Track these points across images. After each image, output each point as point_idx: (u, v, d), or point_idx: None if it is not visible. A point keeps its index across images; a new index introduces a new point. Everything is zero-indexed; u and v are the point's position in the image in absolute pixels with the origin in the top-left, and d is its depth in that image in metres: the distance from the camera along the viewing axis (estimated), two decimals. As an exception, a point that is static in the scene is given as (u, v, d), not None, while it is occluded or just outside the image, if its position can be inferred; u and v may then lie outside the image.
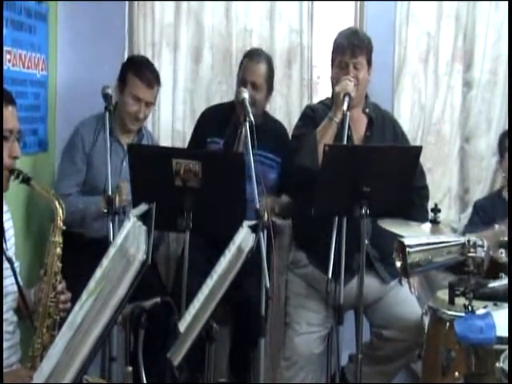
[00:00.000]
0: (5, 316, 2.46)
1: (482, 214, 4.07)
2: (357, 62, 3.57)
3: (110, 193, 3.36)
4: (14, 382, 2.18)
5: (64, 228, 2.53)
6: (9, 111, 2.45)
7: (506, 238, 3.48)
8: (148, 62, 4.02)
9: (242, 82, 3.92)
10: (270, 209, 3.46)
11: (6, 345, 2.45)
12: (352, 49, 3.57)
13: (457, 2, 4.55)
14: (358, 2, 4.59)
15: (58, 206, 2.51)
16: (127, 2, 4.34)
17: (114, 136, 3.84)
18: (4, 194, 2.53)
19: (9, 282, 2.50)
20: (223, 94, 4.35)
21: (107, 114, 3.59)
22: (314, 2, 4.50)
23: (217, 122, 4.00)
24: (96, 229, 3.70)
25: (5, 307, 2.47)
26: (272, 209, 3.63)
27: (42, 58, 4.05)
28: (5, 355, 2.43)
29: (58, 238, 2.51)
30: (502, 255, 3.68)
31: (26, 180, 2.49)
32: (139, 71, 3.88)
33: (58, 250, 2.51)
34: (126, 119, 3.89)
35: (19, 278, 2.52)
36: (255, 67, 3.93)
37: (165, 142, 4.32)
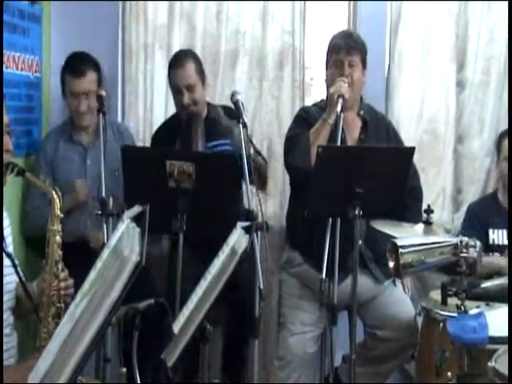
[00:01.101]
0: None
1: (476, 218, 4.07)
2: (352, 59, 3.59)
3: (103, 195, 3.37)
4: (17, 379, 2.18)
5: (62, 216, 2.55)
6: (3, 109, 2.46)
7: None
8: (77, 56, 3.97)
9: (177, 90, 3.90)
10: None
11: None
12: (347, 48, 3.60)
13: (449, 3, 4.55)
14: (351, 3, 4.59)
15: (54, 195, 2.54)
16: (120, 4, 4.34)
17: (73, 140, 3.96)
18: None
19: (6, 281, 2.50)
20: (214, 95, 4.35)
21: (101, 115, 3.59)
22: (307, 2, 4.50)
23: (169, 136, 3.94)
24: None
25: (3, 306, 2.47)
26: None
27: (36, 59, 4.06)
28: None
29: (57, 227, 2.53)
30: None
31: (21, 172, 2.52)
32: (68, 67, 3.92)
33: (58, 238, 2.52)
34: (74, 117, 3.95)
35: (21, 274, 2.53)
36: (181, 71, 3.89)
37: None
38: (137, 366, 2.18)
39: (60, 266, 2.51)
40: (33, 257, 3.71)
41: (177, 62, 3.95)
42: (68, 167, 3.91)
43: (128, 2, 4.35)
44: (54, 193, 2.54)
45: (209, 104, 4.06)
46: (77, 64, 3.91)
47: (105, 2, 4.27)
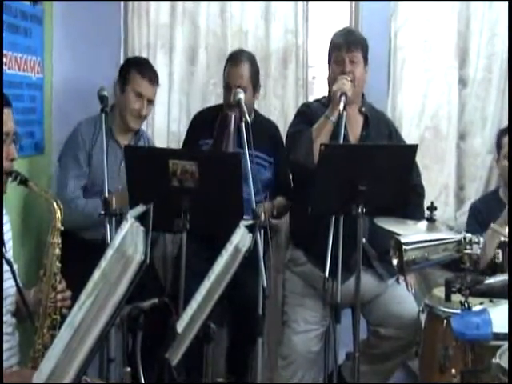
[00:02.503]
0: (3, 318, 2.47)
1: (479, 216, 4.07)
2: (353, 56, 3.60)
3: (106, 194, 3.36)
4: (18, 382, 2.19)
5: (62, 229, 2.54)
6: (5, 113, 2.45)
7: (502, 238, 3.49)
8: (149, 62, 4.06)
9: (227, 87, 3.93)
10: (268, 213, 3.48)
11: (4, 346, 2.45)
12: (348, 44, 3.61)
13: (451, 1, 4.55)
14: (353, 2, 4.60)
15: (55, 206, 2.52)
16: (122, 4, 4.35)
17: (112, 137, 3.86)
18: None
19: (7, 285, 2.50)
20: (218, 95, 4.34)
21: (103, 115, 3.61)
22: (309, 2, 4.51)
23: (208, 123, 4.00)
24: (96, 230, 3.70)
25: (3, 310, 2.47)
26: (270, 213, 3.65)
27: (38, 60, 4.05)
28: (4, 357, 2.43)
29: (57, 239, 2.52)
30: (499, 255, 3.70)
31: (24, 181, 2.51)
32: (141, 68, 3.91)
33: (57, 251, 2.52)
34: (127, 117, 3.89)
35: (18, 280, 2.53)
36: (237, 70, 3.93)
37: (160, 143, 4.32)
38: (141, 366, 2.18)
39: (58, 278, 2.50)
40: (34, 259, 3.71)
41: (234, 59, 3.99)
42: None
43: (130, 2, 4.34)
44: (55, 204, 2.52)
45: (257, 113, 4.07)
46: (151, 70, 3.95)
47: (107, 3, 4.27)
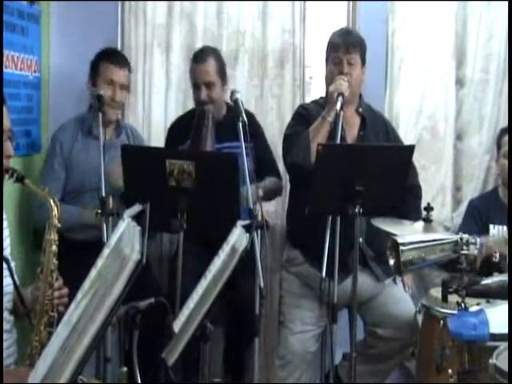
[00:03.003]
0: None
1: (477, 215, 4.07)
2: (351, 57, 3.60)
3: (103, 194, 3.36)
4: (14, 382, 2.19)
5: (59, 226, 2.54)
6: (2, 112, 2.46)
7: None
8: (117, 50, 4.07)
9: (195, 85, 3.93)
10: (256, 196, 3.44)
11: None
12: (346, 45, 3.61)
13: (449, 1, 4.56)
14: (351, 2, 4.60)
15: (52, 203, 2.53)
16: (119, 4, 4.34)
17: (91, 135, 3.88)
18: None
19: (4, 283, 2.49)
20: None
21: (100, 114, 3.60)
22: (307, 2, 4.51)
23: (184, 129, 3.97)
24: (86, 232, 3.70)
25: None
26: (257, 195, 3.61)
27: (35, 59, 4.05)
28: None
29: (54, 236, 2.53)
30: (496, 255, 3.70)
31: (21, 179, 2.51)
32: (109, 56, 3.92)
33: (54, 248, 2.52)
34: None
35: (16, 278, 2.53)
36: (203, 67, 3.92)
37: (157, 142, 4.31)
38: (137, 366, 2.18)
39: (55, 275, 2.51)
40: (32, 257, 3.71)
41: (198, 57, 3.97)
42: (85, 162, 3.83)
43: (127, 2, 4.34)
44: (51, 201, 2.53)
45: (229, 105, 4.06)
46: (119, 56, 3.96)
47: (104, 2, 4.27)
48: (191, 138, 3.90)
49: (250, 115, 3.95)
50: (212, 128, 3.87)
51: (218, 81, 3.93)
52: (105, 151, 3.78)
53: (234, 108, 4.00)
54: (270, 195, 4.00)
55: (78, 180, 3.84)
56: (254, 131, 3.97)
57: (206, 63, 3.93)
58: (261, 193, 3.64)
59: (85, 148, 3.88)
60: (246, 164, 3.29)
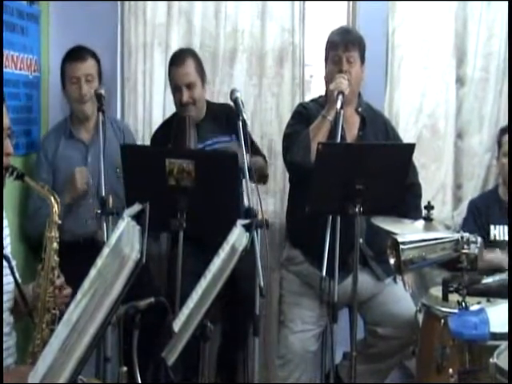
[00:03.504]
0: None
1: (477, 214, 4.07)
2: (350, 55, 3.59)
3: (103, 194, 3.36)
4: (16, 382, 2.19)
5: (60, 222, 2.54)
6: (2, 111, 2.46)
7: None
8: (78, 46, 4.01)
9: (176, 88, 3.90)
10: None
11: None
12: (345, 43, 3.60)
13: (449, 0, 4.55)
14: (351, 2, 4.60)
15: (53, 200, 2.53)
16: (119, 3, 4.34)
17: (73, 137, 3.92)
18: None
19: (5, 282, 2.49)
20: (213, 93, 4.34)
21: (100, 114, 3.59)
22: (306, 1, 4.50)
23: (167, 136, 3.96)
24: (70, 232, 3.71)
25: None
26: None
27: (34, 59, 4.05)
28: (-1, 357, 2.43)
29: (54, 233, 2.53)
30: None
31: (21, 176, 2.52)
32: (68, 54, 3.93)
33: (55, 245, 2.52)
34: (75, 108, 3.92)
35: (17, 276, 2.53)
36: (182, 69, 3.90)
37: (157, 141, 4.31)
38: (137, 365, 2.18)
39: (56, 272, 2.51)
40: (32, 257, 3.71)
41: (176, 60, 3.95)
42: (69, 164, 3.88)
43: (127, 2, 4.34)
44: (52, 198, 2.53)
45: (208, 102, 4.06)
46: (76, 51, 3.95)
47: (103, 2, 4.26)
48: (173, 143, 3.88)
49: (228, 108, 3.91)
50: (194, 130, 3.86)
51: (199, 81, 3.92)
52: (88, 151, 3.81)
53: (213, 105, 4.02)
54: (257, 172, 3.88)
55: (60, 185, 3.84)
56: (234, 123, 3.93)
57: (184, 65, 3.90)
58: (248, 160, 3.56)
59: (68, 152, 3.92)
60: (246, 163, 3.29)
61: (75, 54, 3.92)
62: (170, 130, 3.94)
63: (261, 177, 3.98)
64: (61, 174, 3.89)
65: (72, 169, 3.84)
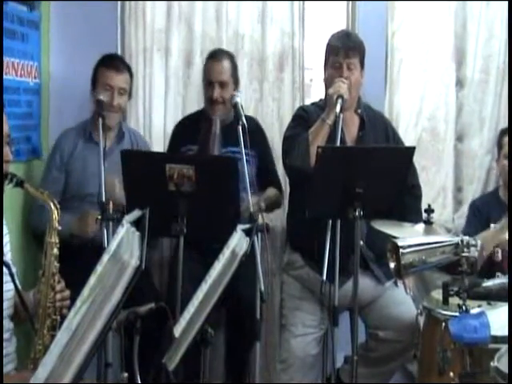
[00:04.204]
0: (0, 324, 2.47)
1: (479, 215, 4.07)
2: (350, 62, 3.59)
3: (103, 199, 3.36)
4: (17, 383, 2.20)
5: (60, 228, 2.55)
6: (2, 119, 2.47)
7: (504, 236, 3.50)
8: (116, 55, 4.09)
9: (209, 83, 3.95)
10: (257, 207, 3.46)
11: (2, 353, 2.46)
12: (346, 49, 3.60)
13: (448, 1, 4.56)
14: (350, 4, 4.60)
15: (52, 207, 2.53)
16: (119, 9, 4.34)
17: (92, 141, 3.89)
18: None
19: (5, 289, 2.50)
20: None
21: (100, 120, 3.60)
22: (306, 4, 4.50)
23: (189, 130, 4.01)
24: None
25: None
26: (259, 207, 3.62)
27: (35, 65, 4.05)
28: (1, 363, 2.43)
29: (55, 239, 2.54)
30: (498, 254, 3.70)
31: (20, 183, 2.52)
32: (106, 61, 3.94)
33: (55, 251, 2.53)
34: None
35: (18, 282, 2.53)
36: (219, 65, 3.96)
37: (157, 147, 4.30)
38: (138, 371, 2.18)
39: (56, 277, 2.52)
40: (32, 263, 3.71)
41: (215, 55, 4.02)
42: (84, 166, 3.87)
43: (127, 7, 4.34)
44: (52, 204, 2.54)
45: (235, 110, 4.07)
46: (117, 61, 3.98)
47: (103, 8, 4.26)
48: (198, 145, 3.93)
49: (254, 122, 4.00)
50: (219, 135, 3.88)
51: (231, 83, 3.98)
52: (105, 157, 3.79)
53: (238, 114, 4.04)
54: (271, 207, 4.00)
55: (77, 186, 3.87)
56: (260, 141, 4.03)
57: (221, 62, 3.97)
58: (263, 205, 3.66)
59: (85, 154, 3.90)
60: (246, 168, 3.30)
61: (114, 63, 3.94)
62: (192, 126, 4.00)
63: (274, 208, 4.07)
64: (75, 174, 3.89)
65: (86, 172, 3.84)
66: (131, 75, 4.02)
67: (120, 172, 3.39)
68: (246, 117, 4.09)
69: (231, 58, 4.05)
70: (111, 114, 3.88)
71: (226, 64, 3.98)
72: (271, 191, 4.04)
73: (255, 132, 4.04)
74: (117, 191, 3.58)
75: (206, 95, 4.00)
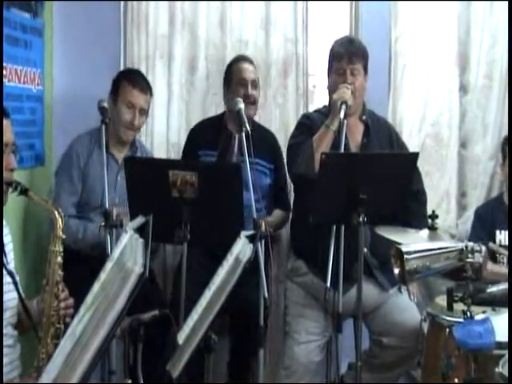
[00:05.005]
0: (4, 331, 2.46)
1: (484, 221, 4.06)
2: (354, 68, 3.59)
3: (106, 206, 3.36)
4: None
5: (64, 237, 2.55)
6: (4, 124, 2.46)
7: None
8: (140, 73, 4.08)
9: (242, 82, 3.96)
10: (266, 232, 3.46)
11: (5, 360, 2.45)
12: (349, 55, 3.60)
13: (452, 7, 4.56)
14: (353, 9, 4.60)
15: (57, 215, 2.53)
16: (122, 16, 4.34)
17: (108, 150, 3.82)
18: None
19: (8, 297, 2.50)
20: (218, 105, 4.34)
21: (103, 127, 3.61)
22: (309, 11, 4.50)
23: (207, 134, 4.03)
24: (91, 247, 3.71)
25: (4, 323, 2.47)
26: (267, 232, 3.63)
27: (38, 72, 4.06)
28: (5, 370, 2.43)
29: (59, 247, 2.53)
30: (504, 259, 3.69)
31: (24, 191, 2.51)
32: (131, 78, 3.92)
33: (59, 259, 2.52)
34: (120, 129, 3.88)
35: (21, 291, 2.53)
36: (250, 67, 4.02)
37: (159, 153, 4.31)
38: (142, 378, 2.18)
39: (60, 286, 2.51)
40: (36, 271, 3.72)
41: (242, 58, 4.08)
42: (98, 176, 3.76)
43: (130, 13, 4.34)
44: (56, 213, 2.53)
45: (255, 122, 4.09)
46: (142, 80, 3.97)
47: (106, 14, 4.27)
48: (220, 146, 3.96)
49: (273, 136, 4.11)
50: (238, 147, 3.90)
51: (258, 86, 4.03)
52: (119, 170, 3.80)
53: (259, 126, 4.07)
54: (276, 229, 4.03)
55: (91, 195, 3.84)
56: (277, 155, 4.08)
57: (252, 64, 4.04)
58: (271, 230, 3.61)
59: (101, 164, 3.82)
60: (250, 173, 3.30)
61: (141, 82, 3.93)
62: (209, 131, 4.03)
63: (279, 229, 4.11)
64: (89, 183, 3.85)
65: (101, 183, 3.66)
66: (151, 95, 4.01)
67: (105, 178, 3.44)
68: (267, 130, 4.15)
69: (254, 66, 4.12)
70: (130, 132, 3.89)
71: (253, 68, 4.06)
72: (277, 214, 4.09)
73: (274, 146, 4.13)
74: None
75: (238, 93, 3.93)
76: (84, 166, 3.87)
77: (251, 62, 4.09)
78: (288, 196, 4.17)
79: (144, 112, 3.93)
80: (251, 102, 3.93)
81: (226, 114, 4.08)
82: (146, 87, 3.93)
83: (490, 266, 3.57)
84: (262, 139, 3.96)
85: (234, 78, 4.03)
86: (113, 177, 3.83)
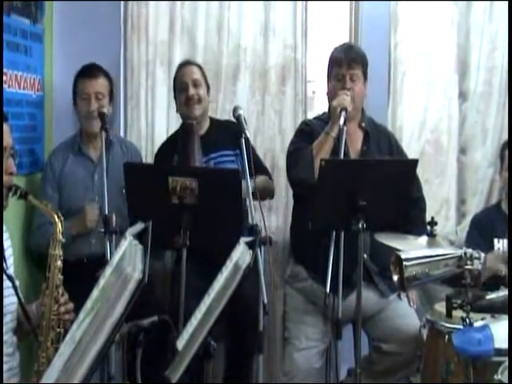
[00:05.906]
0: (4, 338, 2.46)
1: (481, 229, 4.06)
2: (353, 73, 3.60)
3: (106, 212, 3.37)
4: None
5: (64, 241, 2.55)
6: (2, 128, 2.47)
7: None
8: (92, 63, 4.03)
9: (182, 85, 3.93)
10: (246, 192, 3.40)
11: (4, 367, 2.45)
12: (348, 61, 3.61)
13: (451, 13, 4.57)
14: (353, 15, 4.61)
15: (56, 219, 2.53)
16: (122, 22, 4.35)
17: (80, 153, 3.93)
18: (2, 212, 2.55)
19: (8, 302, 2.50)
20: (215, 111, 4.34)
21: (103, 133, 3.61)
22: (308, 16, 4.51)
23: (170, 150, 3.97)
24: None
25: (4, 328, 2.46)
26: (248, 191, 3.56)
27: (38, 78, 4.07)
28: (4, 377, 2.43)
29: (58, 251, 2.53)
30: (502, 268, 3.69)
31: (24, 195, 2.52)
32: (81, 71, 3.96)
33: (59, 263, 2.53)
34: (83, 123, 3.93)
35: (21, 295, 2.53)
36: (188, 69, 3.98)
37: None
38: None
39: (60, 290, 2.51)
40: (35, 276, 3.72)
41: (183, 63, 4.05)
42: (75, 181, 3.89)
43: (130, 20, 4.35)
44: (55, 216, 2.54)
45: (211, 118, 4.07)
46: (90, 68, 3.97)
47: (106, 20, 4.28)
48: (178, 153, 3.84)
49: (229, 123, 3.94)
50: (198, 140, 3.85)
51: (204, 83, 3.98)
52: (95, 169, 3.81)
53: (216, 121, 4.04)
54: (262, 193, 3.83)
55: (69, 200, 3.87)
56: (238, 138, 3.94)
57: (191, 66, 4.00)
58: (252, 188, 3.55)
59: (75, 167, 3.92)
60: (249, 180, 3.29)
61: (87, 71, 3.95)
62: (175, 145, 3.95)
63: (266, 194, 4.00)
64: (67, 189, 3.89)
65: (78, 186, 3.86)
66: (109, 80, 4.00)
67: (110, 179, 3.49)
68: (225, 120, 4.10)
69: (199, 65, 4.06)
70: (90, 120, 3.88)
71: (194, 67, 4.00)
72: (259, 178, 3.87)
73: (235, 132, 3.95)
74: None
75: (179, 100, 3.95)
76: (59, 176, 3.91)
77: (192, 63, 4.06)
78: (264, 164, 4.12)
79: (102, 95, 3.92)
80: (195, 101, 3.89)
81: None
82: (94, 72, 3.94)
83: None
84: (223, 130, 3.95)
85: (176, 85, 4.03)
86: (89, 177, 3.90)
